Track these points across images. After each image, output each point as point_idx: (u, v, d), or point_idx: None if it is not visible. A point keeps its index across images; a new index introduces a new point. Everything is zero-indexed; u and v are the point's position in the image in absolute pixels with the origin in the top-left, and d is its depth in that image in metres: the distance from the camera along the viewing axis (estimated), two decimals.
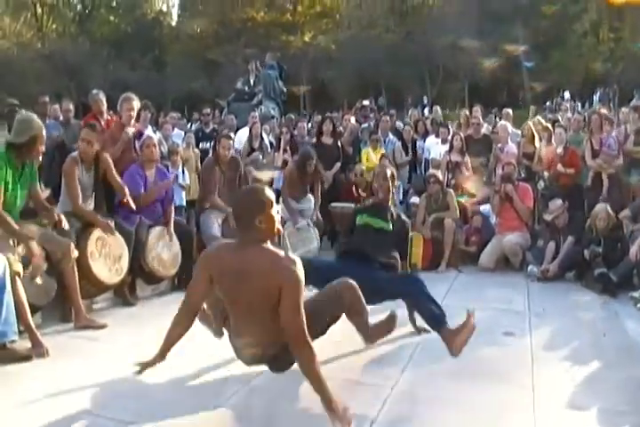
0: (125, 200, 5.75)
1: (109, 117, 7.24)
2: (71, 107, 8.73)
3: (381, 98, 15.25)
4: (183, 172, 8.23)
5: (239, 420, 3.45)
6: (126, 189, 5.77)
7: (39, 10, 42.68)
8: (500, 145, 9.11)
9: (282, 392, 3.81)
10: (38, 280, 4.73)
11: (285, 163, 9.39)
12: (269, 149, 9.74)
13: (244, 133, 10.18)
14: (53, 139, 7.99)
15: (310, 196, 8.22)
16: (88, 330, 4.97)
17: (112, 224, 5.52)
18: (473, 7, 36.14)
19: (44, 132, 4.84)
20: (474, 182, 8.55)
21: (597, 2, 32.87)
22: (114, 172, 5.76)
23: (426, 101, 29.15)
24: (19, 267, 4.43)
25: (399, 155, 9.80)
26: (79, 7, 45.94)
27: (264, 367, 3.65)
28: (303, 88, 33.10)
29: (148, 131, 7.84)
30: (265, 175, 8.93)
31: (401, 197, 9.35)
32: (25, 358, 4.26)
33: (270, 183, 9.29)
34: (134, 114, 6.81)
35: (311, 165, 8.18)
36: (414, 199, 8.45)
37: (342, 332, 4.92)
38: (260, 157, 9.33)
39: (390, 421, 3.45)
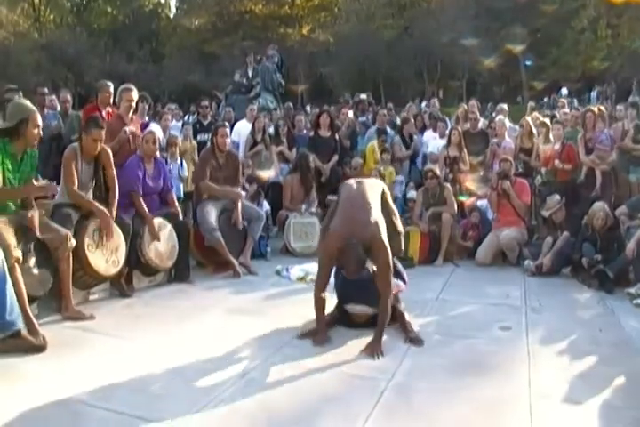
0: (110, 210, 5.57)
1: (110, 110, 7.17)
2: (69, 97, 8.71)
3: (363, 95, 14.98)
4: (182, 163, 8.22)
5: (236, 413, 3.45)
6: (117, 191, 5.68)
7: (36, 0, 42.46)
8: (496, 140, 9.11)
9: (277, 385, 3.82)
10: (34, 271, 4.73)
11: (282, 154, 9.39)
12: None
13: (242, 126, 10.16)
14: (51, 129, 7.99)
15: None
16: (84, 321, 4.97)
17: (112, 214, 5.46)
18: (472, 2, 36.09)
19: (37, 117, 4.73)
20: (473, 180, 8.53)
21: None
22: (113, 169, 5.68)
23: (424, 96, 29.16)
24: (18, 253, 4.40)
25: (398, 149, 9.78)
26: None
27: (259, 360, 3.63)
28: (301, 87, 32.94)
29: (155, 127, 7.77)
30: (266, 174, 8.89)
31: (403, 189, 9.26)
32: (38, 348, 4.23)
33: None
34: (134, 104, 6.78)
35: (310, 162, 8.25)
36: (412, 193, 8.45)
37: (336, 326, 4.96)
38: (264, 148, 9.30)
39: (386, 414, 3.46)
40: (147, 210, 6.13)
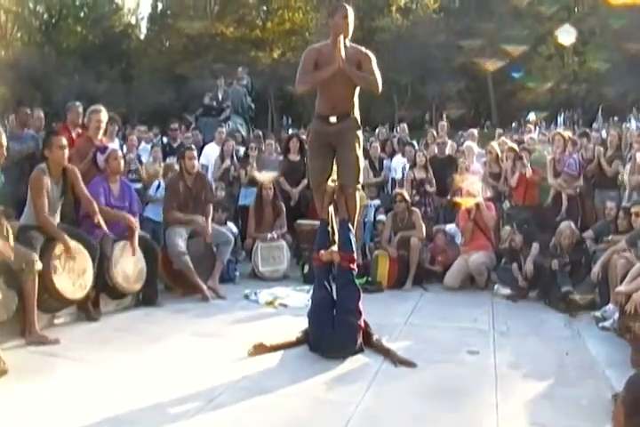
0: (96, 220, 5.68)
1: (80, 131, 7.12)
2: (42, 115, 8.59)
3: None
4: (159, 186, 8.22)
5: None
6: (95, 204, 5.70)
7: (3, 17, 42.06)
8: (465, 164, 9.15)
9: (245, 409, 3.79)
10: None
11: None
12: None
13: (211, 149, 10.15)
14: (24, 150, 7.87)
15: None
16: (48, 345, 4.89)
17: (74, 245, 5.39)
18: (442, 27, 36.59)
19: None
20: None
21: (562, 24, 33.49)
22: (82, 184, 5.67)
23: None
24: None
25: (366, 174, 9.79)
26: (45, 16, 45.37)
27: (227, 385, 3.60)
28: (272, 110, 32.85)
29: (115, 144, 7.77)
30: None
31: (372, 216, 9.23)
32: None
33: (236, 198, 9.26)
34: (103, 126, 6.74)
35: (265, 194, 8.19)
36: (382, 217, 8.48)
37: (305, 347, 4.94)
38: (232, 168, 9.34)
39: None
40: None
